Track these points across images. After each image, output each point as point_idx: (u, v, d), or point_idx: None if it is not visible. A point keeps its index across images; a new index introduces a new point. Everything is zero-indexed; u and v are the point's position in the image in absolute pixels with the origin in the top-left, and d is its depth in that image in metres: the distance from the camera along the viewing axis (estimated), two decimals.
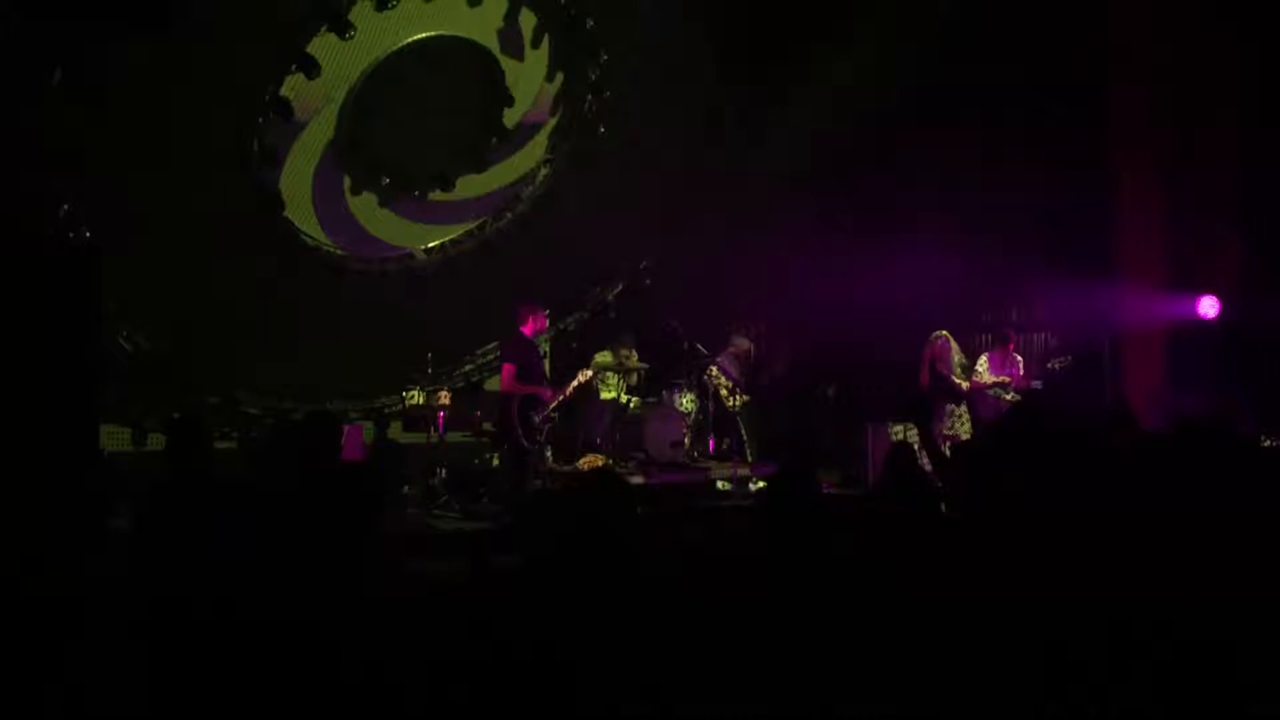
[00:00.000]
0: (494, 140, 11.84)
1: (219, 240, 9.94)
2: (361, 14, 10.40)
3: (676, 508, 10.26)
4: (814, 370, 12.98)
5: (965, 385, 10.88)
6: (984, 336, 12.28)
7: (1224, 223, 11.53)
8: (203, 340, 10.21)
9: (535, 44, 11.71)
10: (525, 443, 9.50)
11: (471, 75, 11.50)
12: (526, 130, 12.18)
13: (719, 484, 11.43)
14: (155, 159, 9.36)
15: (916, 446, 5.98)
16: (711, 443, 12.34)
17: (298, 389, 10.95)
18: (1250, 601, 3.36)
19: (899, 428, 11.22)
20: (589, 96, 12.07)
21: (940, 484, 5.10)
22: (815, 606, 3.41)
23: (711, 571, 3.73)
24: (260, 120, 10.27)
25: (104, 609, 4.84)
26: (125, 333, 9.93)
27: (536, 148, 12.38)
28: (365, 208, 11.54)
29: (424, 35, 11.05)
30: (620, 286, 13.21)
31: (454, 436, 11.03)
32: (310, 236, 11.10)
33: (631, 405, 12.20)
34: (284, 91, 10.29)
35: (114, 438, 9.65)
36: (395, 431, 11.63)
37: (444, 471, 10.52)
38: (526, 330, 9.74)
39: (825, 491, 5.18)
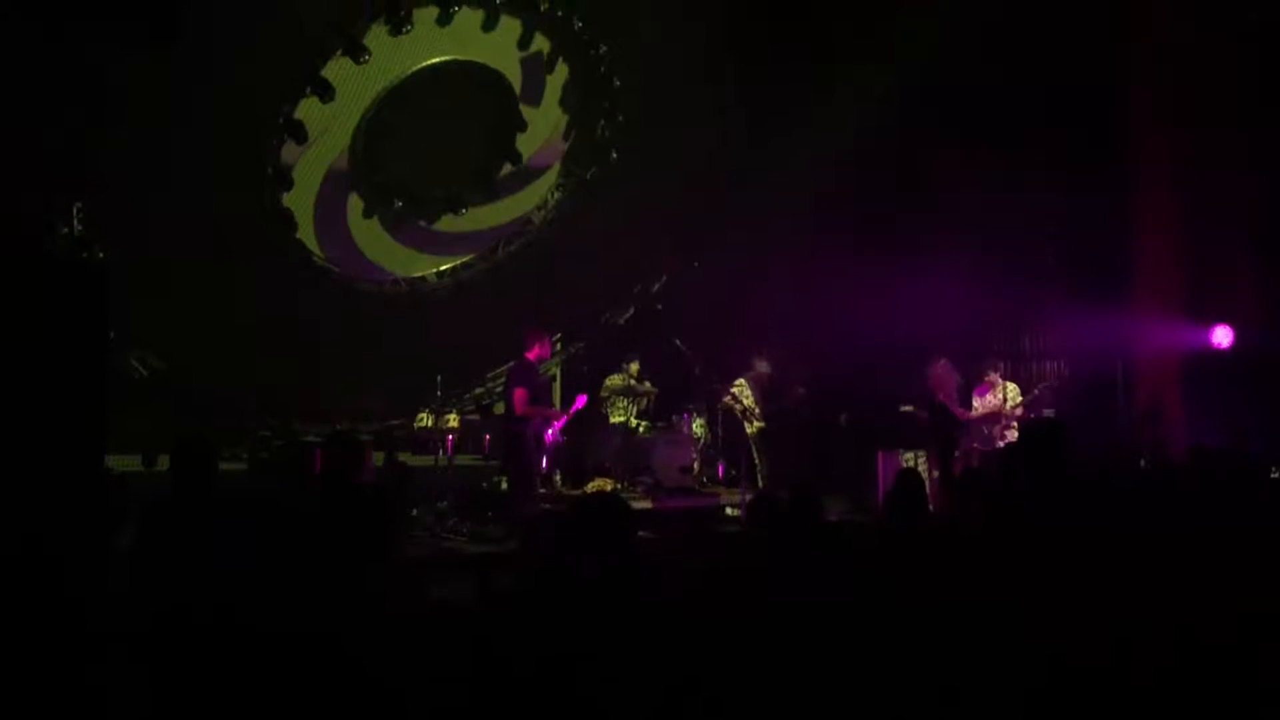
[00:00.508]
0: (506, 165, 11.90)
1: (230, 261, 9.99)
2: (376, 38, 10.48)
3: (682, 532, 10.20)
4: (827, 396, 12.92)
5: (977, 411, 10.81)
6: (1003, 364, 12.18)
7: (1241, 252, 11.46)
8: (213, 360, 10.24)
9: (550, 68, 11.77)
10: (533, 465, 9.50)
11: (485, 100, 11.56)
12: (526, 174, 12.23)
13: (728, 510, 11.36)
14: (168, 180, 9.42)
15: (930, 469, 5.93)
16: (721, 468, 12.27)
17: (307, 410, 10.96)
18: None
19: (910, 455, 11.14)
20: (602, 121, 12.11)
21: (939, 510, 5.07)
22: (811, 629, 3.38)
23: (711, 593, 3.71)
24: (274, 142, 10.34)
25: (107, 626, 4.83)
26: (136, 353, 9.96)
27: (533, 193, 12.40)
28: (364, 229, 11.56)
29: (438, 60, 11.12)
30: (632, 310, 13.21)
31: (462, 459, 11.01)
32: (320, 257, 11.15)
33: (640, 429, 12.17)
34: (298, 114, 10.36)
35: (124, 458, 9.66)
36: (403, 454, 11.63)
37: (452, 494, 10.50)
38: (531, 356, 9.79)
39: (830, 519, 5.14)
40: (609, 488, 10.82)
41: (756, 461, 12.28)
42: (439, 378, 11.09)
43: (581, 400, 11.05)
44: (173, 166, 9.42)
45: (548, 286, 12.07)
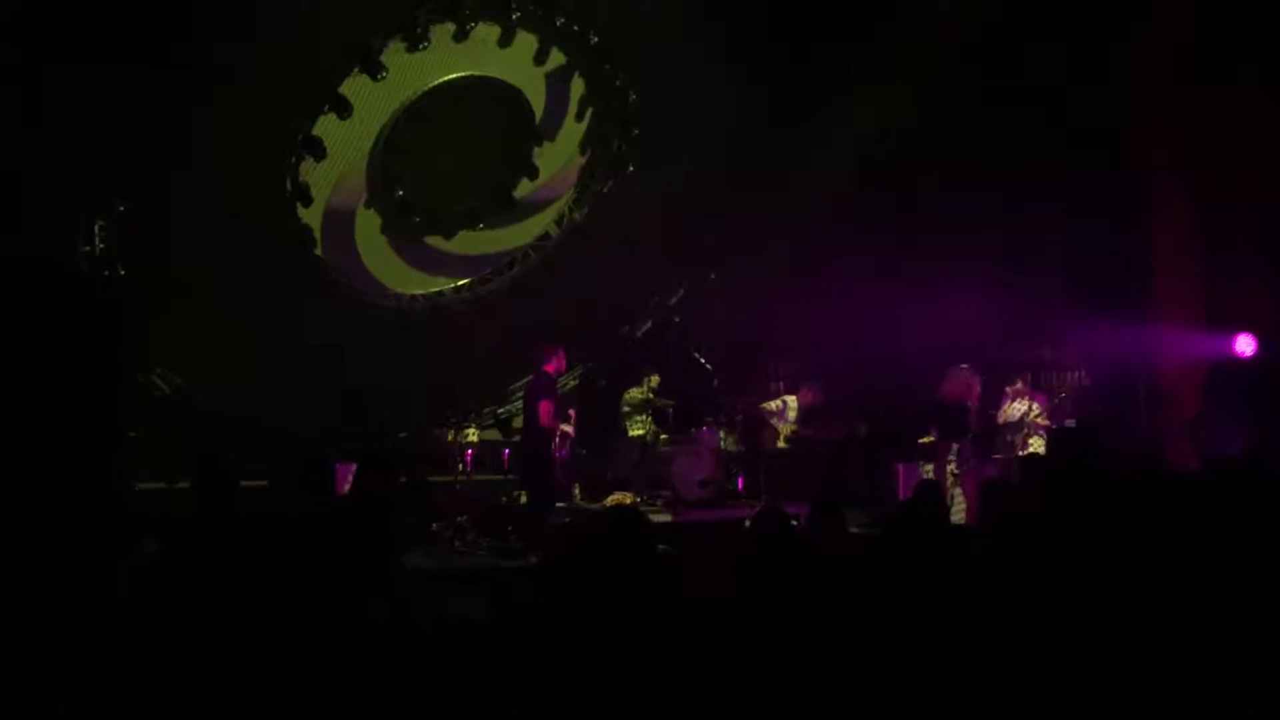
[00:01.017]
0: (524, 179, 11.93)
1: (251, 278, 10.04)
2: (394, 55, 10.53)
3: (702, 546, 10.17)
4: (846, 408, 12.86)
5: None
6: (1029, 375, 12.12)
7: (1263, 259, 11.38)
8: (234, 377, 10.29)
9: (565, 80, 11.80)
10: (555, 478, 9.55)
11: (502, 115, 11.60)
12: (531, 206, 12.28)
13: (747, 523, 11.32)
14: (187, 197, 9.48)
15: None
16: (741, 481, 12.23)
17: (328, 425, 10.98)
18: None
19: (929, 466, 11.09)
20: (618, 135, 12.13)
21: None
22: (831, 647, 3.36)
23: (731, 612, 3.69)
24: (293, 159, 10.40)
25: (127, 643, 4.84)
26: (158, 370, 10.02)
27: (535, 224, 12.44)
28: (370, 247, 11.59)
29: (455, 76, 11.16)
30: (649, 323, 13.21)
31: (481, 474, 11.03)
32: (339, 272, 11.19)
33: (660, 442, 12.15)
34: (316, 131, 10.41)
35: (146, 474, 9.71)
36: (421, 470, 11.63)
37: (471, 509, 10.51)
38: (550, 369, 9.84)
39: (851, 532, 5.11)
40: (628, 501, 10.80)
41: (772, 476, 12.21)
42: (457, 392, 11.12)
43: (573, 414, 11.09)
44: (191, 183, 9.48)
45: (565, 300, 12.08)
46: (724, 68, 11.37)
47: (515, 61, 11.41)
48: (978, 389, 10.77)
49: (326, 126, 10.51)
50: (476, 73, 11.27)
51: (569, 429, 10.85)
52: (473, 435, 10.73)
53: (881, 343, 11.87)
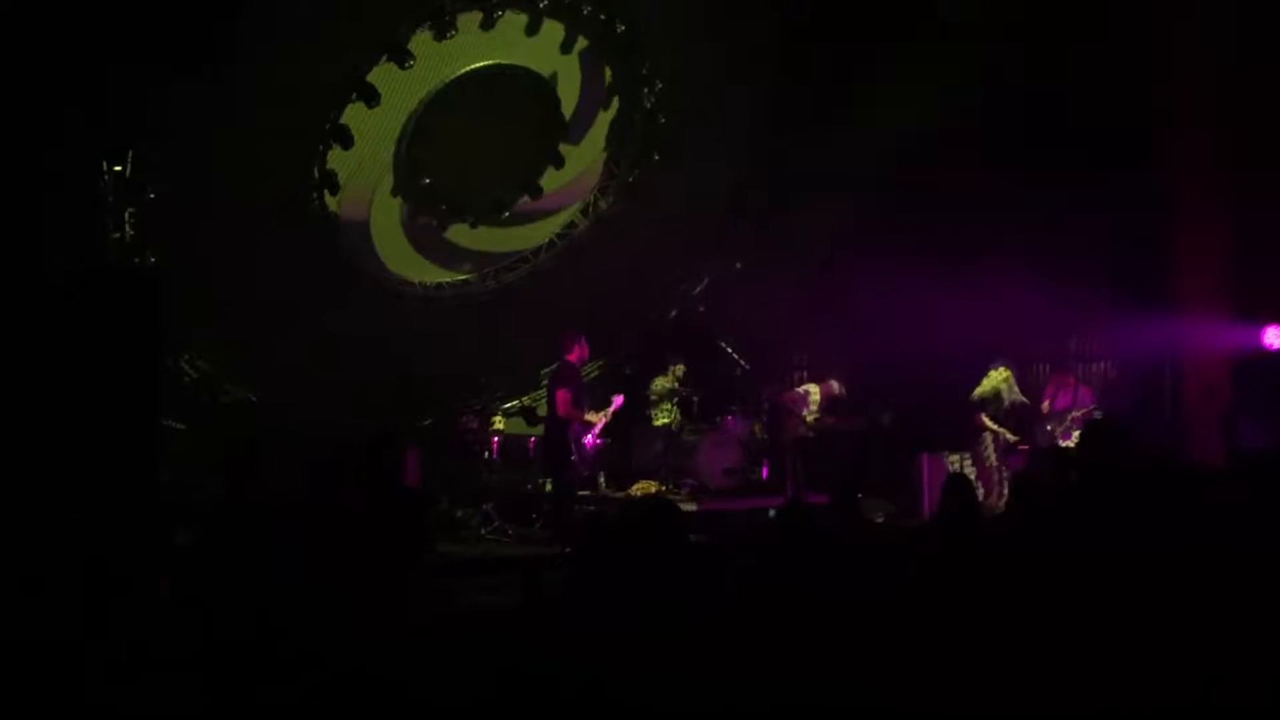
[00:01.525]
0: (550, 168, 11.94)
1: (278, 265, 10.09)
2: (421, 43, 10.55)
3: (729, 536, 10.20)
4: (870, 398, 12.83)
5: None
6: (1042, 367, 12.09)
7: None
8: (261, 364, 10.35)
9: (594, 67, 11.79)
10: (578, 466, 9.57)
11: (529, 103, 11.61)
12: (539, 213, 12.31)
13: (771, 512, 11.34)
14: (216, 186, 9.54)
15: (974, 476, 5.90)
16: (765, 470, 12.23)
17: (355, 413, 11.04)
18: None
19: (955, 457, 11.08)
20: (644, 124, 12.12)
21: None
22: (857, 639, 3.37)
23: (761, 601, 3.71)
24: (321, 147, 10.45)
25: (165, 629, 4.90)
26: (187, 357, 10.10)
27: (543, 228, 12.47)
28: (385, 237, 11.63)
29: (482, 64, 11.17)
30: (675, 312, 13.22)
31: (507, 462, 11.08)
32: (362, 260, 11.24)
33: (685, 431, 12.17)
34: (344, 119, 10.45)
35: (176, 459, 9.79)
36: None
37: (497, 497, 10.56)
38: (572, 358, 9.85)
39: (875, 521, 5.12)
40: (654, 490, 10.84)
41: (796, 465, 12.22)
42: (482, 380, 11.16)
43: (618, 401, 11.05)
44: (218, 171, 9.53)
45: (590, 289, 12.10)
46: (752, 53, 11.32)
47: (542, 50, 11.42)
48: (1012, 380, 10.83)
49: (354, 115, 10.55)
50: (504, 61, 11.28)
51: (595, 418, 10.83)
52: (499, 423, 10.77)
53: (905, 334, 11.84)
